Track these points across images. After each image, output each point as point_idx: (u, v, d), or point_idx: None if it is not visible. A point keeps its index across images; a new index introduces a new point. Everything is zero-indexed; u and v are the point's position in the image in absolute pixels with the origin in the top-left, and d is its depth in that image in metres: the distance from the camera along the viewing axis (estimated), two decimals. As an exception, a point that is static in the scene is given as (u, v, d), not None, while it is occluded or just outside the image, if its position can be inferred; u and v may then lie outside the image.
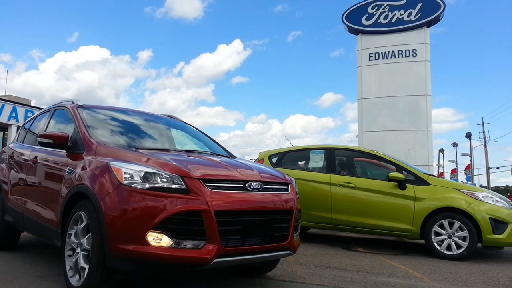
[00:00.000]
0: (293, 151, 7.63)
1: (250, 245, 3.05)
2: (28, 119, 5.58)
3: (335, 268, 4.71)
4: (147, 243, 2.75)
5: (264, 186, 3.28)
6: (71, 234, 3.21)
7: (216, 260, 2.83)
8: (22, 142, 5.07)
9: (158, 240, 2.76)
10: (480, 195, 5.83)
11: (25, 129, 5.30)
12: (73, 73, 77.00)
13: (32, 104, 23.97)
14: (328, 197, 6.50)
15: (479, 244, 5.70)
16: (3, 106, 20.38)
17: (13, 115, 20.98)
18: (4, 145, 19.86)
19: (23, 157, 4.57)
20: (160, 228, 2.76)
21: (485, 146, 42.46)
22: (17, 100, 22.63)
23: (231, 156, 4.35)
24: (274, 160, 7.35)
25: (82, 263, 3.03)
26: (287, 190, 3.52)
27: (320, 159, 7.04)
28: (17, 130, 7.71)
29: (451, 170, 50.93)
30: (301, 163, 7.61)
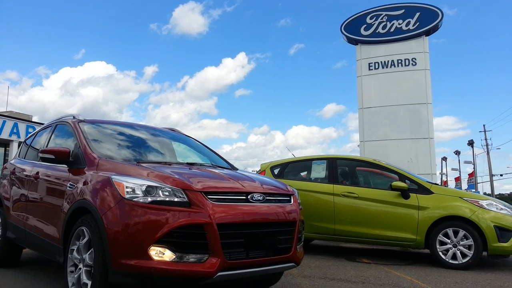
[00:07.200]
0: (295, 162, 7.61)
1: (254, 257, 3.03)
2: (30, 135, 5.58)
3: (340, 280, 4.66)
4: (149, 258, 2.73)
5: (267, 198, 3.27)
6: (73, 249, 3.18)
7: (219, 273, 2.81)
8: (24, 158, 5.07)
9: (161, 254, 2.74)
10: (484, 203, 5.79)
11: (27, 144, 5.31)
12: (78, 89, 77.30)
13: (36, 119, 24.07)
14: (331, 208, 6.46)
15: (484, 253, 5.64)
16: (4, 122, 20.43)
17: (15, 131, 21.02)
18: (5, 161, 19.89)
19: (25, 173, 4.57)
20: (163, 242, 2.75)
21: (488, 153, 42.31)
22: (18, 116, 22.67)
23: (233, 168, 4.34)
24: (276, 171, 7.33)
25: (84, 279, 3.00)
26: (289, 201, 3.51)
27: (322, 169, 7.01)
28: (19, 146, 7.71)
29: (455, 178, 50.82)
30: (303, 173, 7.58)
